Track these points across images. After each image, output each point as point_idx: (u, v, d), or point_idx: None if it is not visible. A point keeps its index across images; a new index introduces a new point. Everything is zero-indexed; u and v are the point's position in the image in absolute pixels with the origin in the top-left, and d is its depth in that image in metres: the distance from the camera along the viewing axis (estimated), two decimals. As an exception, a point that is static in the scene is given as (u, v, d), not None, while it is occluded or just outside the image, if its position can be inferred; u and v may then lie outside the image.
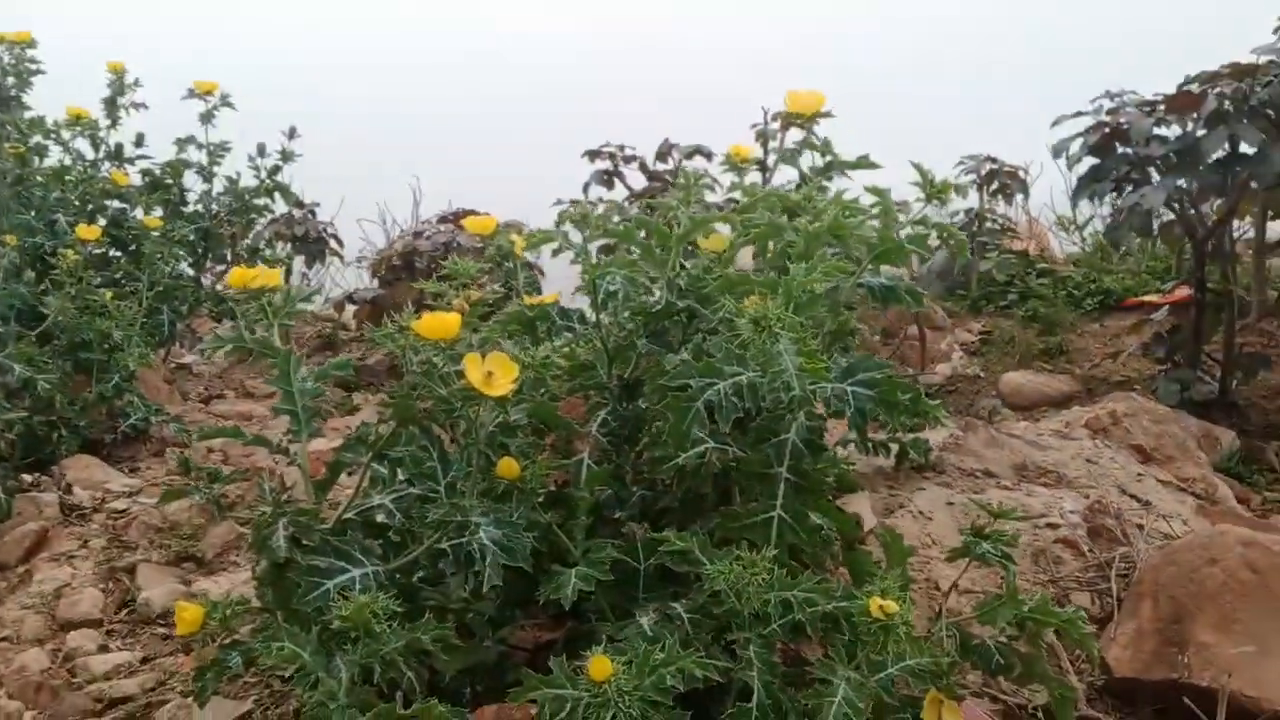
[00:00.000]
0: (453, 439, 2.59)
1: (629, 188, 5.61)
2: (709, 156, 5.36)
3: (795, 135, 2.95)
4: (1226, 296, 4.77)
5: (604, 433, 2.77)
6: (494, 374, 2.25)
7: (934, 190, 2.56)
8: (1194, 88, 4.68)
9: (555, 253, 2.98)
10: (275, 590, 2.46)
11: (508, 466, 2.35)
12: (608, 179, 5.51)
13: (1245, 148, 4.43)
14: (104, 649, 3.31)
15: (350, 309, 7.09)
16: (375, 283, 6.62)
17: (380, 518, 2.68)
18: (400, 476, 2.69)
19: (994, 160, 6.36)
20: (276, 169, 6.08)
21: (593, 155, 5.59)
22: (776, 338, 2.21)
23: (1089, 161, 4.96)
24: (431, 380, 2.38)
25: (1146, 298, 5.98)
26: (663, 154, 5.46)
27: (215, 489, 2.72)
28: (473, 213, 6.03)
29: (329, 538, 2.48)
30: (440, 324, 2.35)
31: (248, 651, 2.35)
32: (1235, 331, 4.83)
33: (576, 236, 2.91)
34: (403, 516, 2.59)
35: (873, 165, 2.79)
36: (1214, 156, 4.33)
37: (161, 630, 3.42)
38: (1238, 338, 4.89)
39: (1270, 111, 4.38)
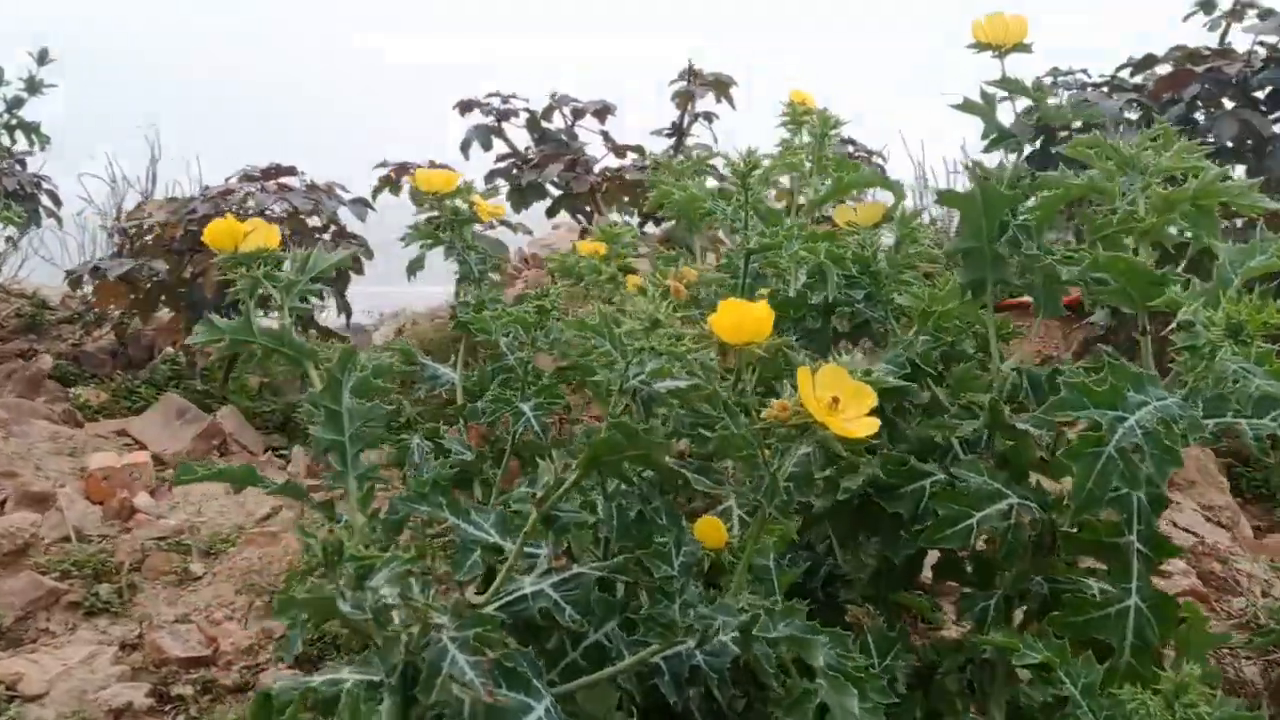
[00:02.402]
0: (680, 496, 1.74)
1: (512, 146, 4.71)
2: (605, 115, 4.55)
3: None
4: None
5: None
6: (840, 401, 1.42)
7: None
8: (1160, 69, 4.33)
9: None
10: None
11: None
12: (487, 136, 4.59)
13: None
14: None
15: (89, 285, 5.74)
16: (122, 253, 5.34)
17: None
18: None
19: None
20: (19, 101, 4.77)
21: (466, 107, 4.65)
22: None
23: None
24: (717, 408, 1.53)
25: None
26: (550, 110, 4.59)
27: None
28: (289, 170, 4.94)
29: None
30: (743, 318, 1.50)
31: None
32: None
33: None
34: (575, 612, 1.71)
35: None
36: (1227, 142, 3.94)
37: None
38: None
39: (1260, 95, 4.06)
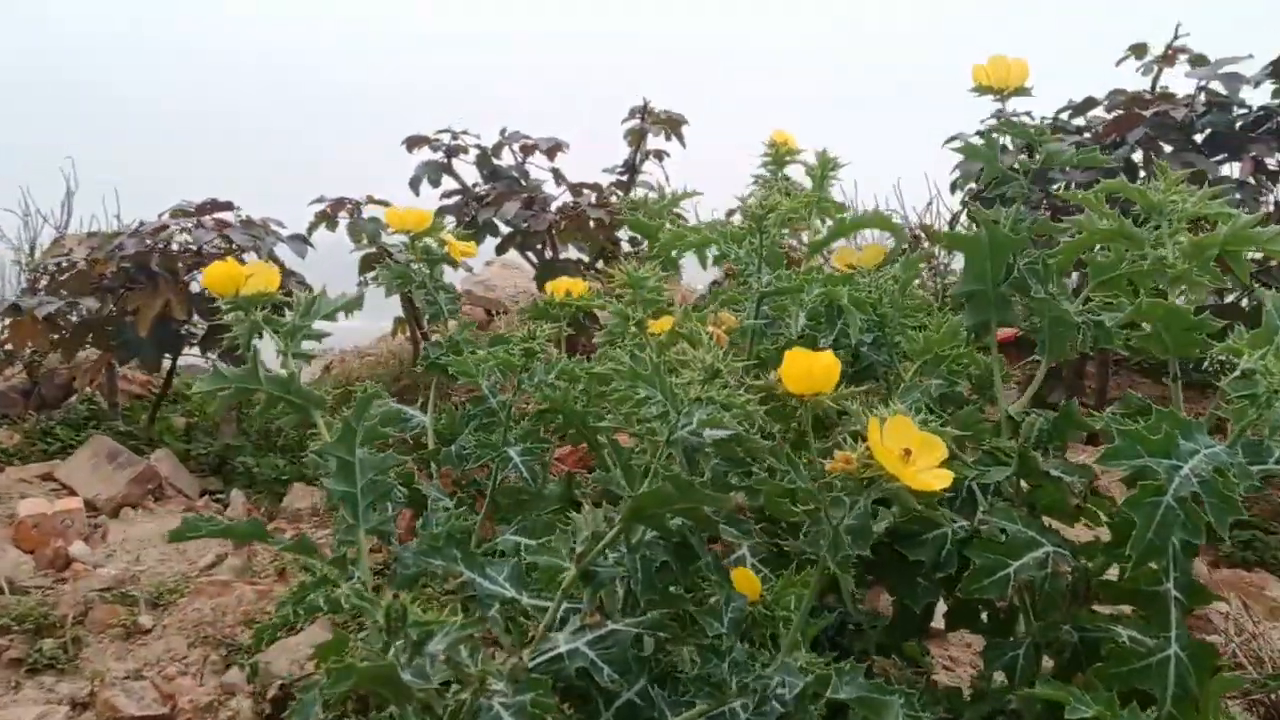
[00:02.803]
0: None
1: (461, 182, 4.61)
2: (555, 152, 4.47)
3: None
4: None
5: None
6: (913, 453, 1.39)
7: None
8: (1104, 112, 4.41)
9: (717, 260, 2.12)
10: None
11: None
12: (438, 172, 4.49)
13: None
14: None
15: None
16: (36, 289, 5.14)
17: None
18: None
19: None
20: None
21: (415, 143, 4.54)
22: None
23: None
24: (779, 460, 1.48)
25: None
26: (499, 146, 4.50)
27: None
28: (225, 205, 4.81)
29: None
30: (811, 367, 1.46)
31: None
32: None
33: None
34: (614, 672, 1.66)
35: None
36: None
37: None
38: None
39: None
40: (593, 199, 4.14)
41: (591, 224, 3.83)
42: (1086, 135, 4.43)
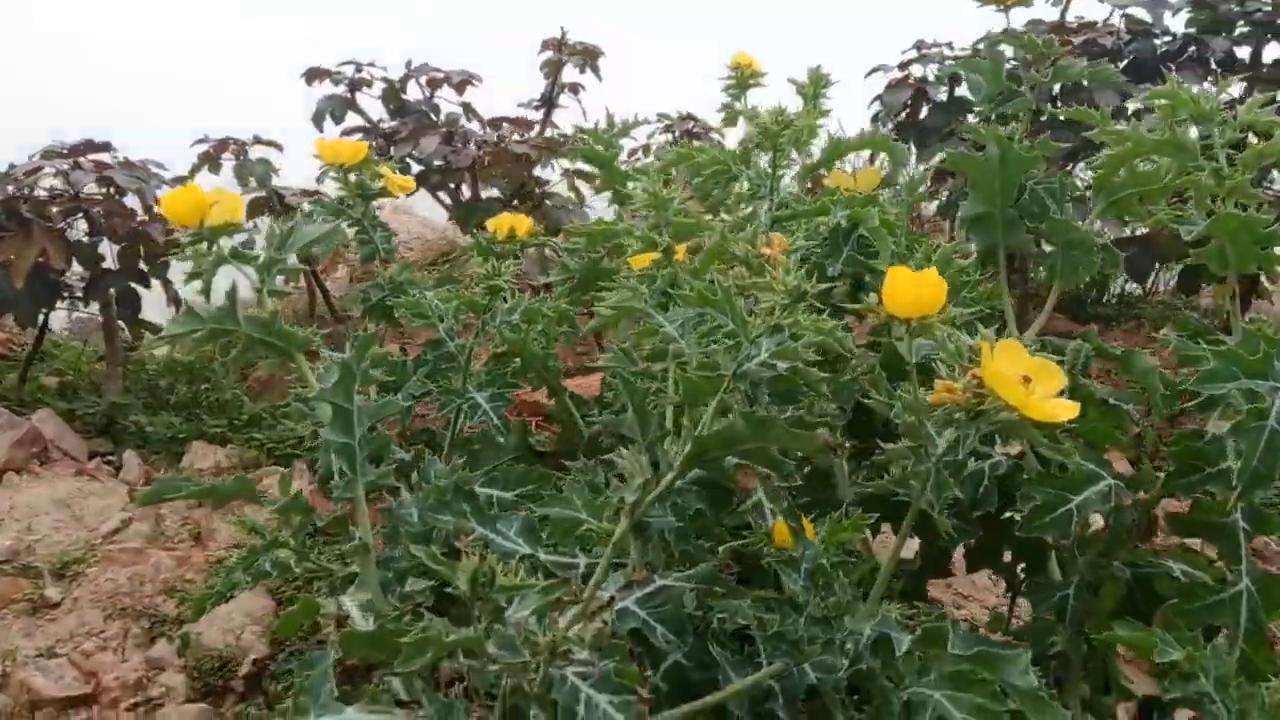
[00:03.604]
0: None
1: (368, 119, 4.31)
2: (466, 86, 4.20)
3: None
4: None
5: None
6: (1031, 380, 1.26)
7: None
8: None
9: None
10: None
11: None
12: (343, 107, 4.19)
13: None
14: None
15: None
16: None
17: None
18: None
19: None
20: None
21: (315, 76, 4.23)
22: None
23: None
24: (880, 392, 1.34)
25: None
26: (405, 80, 4.21)
27: None
28: (102, 145, 4.44)
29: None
30: (919, 289, 1.31)
31: None
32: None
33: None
34: (669, 631, 1.50)
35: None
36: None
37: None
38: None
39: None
40: (515, 135, 3.92)
41: (516, 160, 3.61)
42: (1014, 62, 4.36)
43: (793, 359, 1.35)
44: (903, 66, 4.51)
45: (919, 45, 4.52)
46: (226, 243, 1.66)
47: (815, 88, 2.21)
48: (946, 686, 1.44)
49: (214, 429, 4.25)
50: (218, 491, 1.67)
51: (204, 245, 1.71)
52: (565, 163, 4.02)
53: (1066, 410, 1.24)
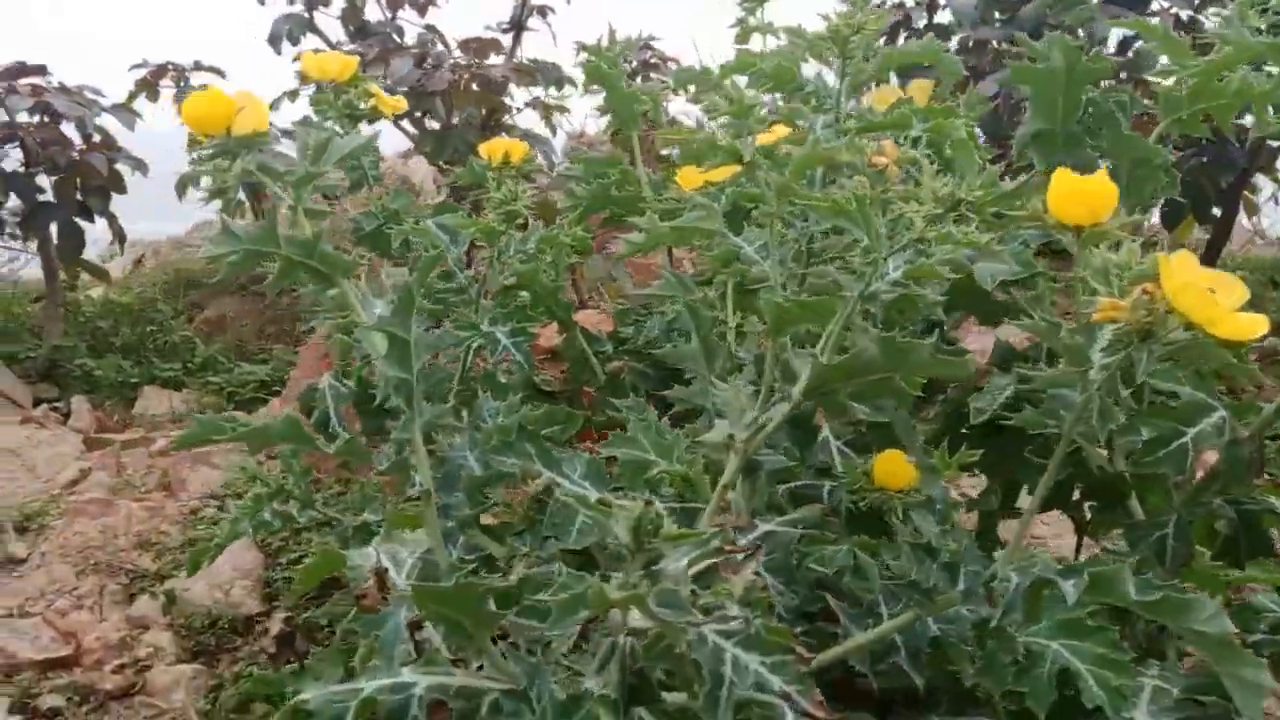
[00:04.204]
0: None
1: (327, 41, 4.07)
2: (428, 7, 3.98)
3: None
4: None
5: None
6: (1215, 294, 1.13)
7: None
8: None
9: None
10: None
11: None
12: (302, 27, 3.93)
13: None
14: None
15: None
16: None
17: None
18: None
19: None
20: None
21: (268, -8, 3.96)
22: None
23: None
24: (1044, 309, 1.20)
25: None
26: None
27: None
28: (37, 69, 4.17)
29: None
30: (1087, 193, 1.17)
31: None
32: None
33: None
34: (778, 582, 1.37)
35: None
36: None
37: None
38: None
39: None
40: (488, 59, 3.71)
41: (493, 84, 3.41)
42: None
43: (930, 278, 1.21)
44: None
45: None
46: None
47: (865, -9, 2.05)
48: (1061, 635, 1.34)
49: (166, 373, 4.03)
50: (269, 433, 1.49)
51: (226, 159, 1.52)
52: (537, 90, 3.83)
53: (1256, 325, 1.11)
